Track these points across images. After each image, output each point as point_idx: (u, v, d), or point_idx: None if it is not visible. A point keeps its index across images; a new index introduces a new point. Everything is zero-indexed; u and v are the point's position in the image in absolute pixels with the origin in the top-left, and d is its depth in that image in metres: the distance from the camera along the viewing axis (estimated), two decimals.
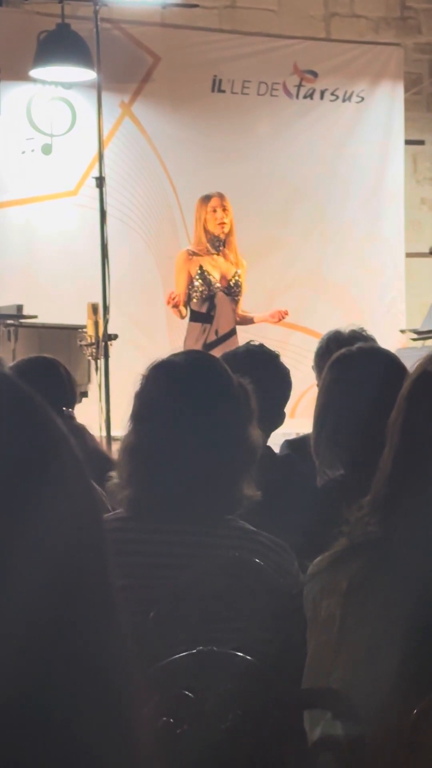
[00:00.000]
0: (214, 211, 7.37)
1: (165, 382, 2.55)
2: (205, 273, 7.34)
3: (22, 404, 0.92)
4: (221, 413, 2.52)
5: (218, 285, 7.34)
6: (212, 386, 2.55)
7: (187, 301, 7.44)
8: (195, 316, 7.44)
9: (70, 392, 4.26)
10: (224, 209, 7.38)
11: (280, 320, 7.59)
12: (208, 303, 7.38)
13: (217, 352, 7.15)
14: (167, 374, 2.56)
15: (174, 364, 2.59)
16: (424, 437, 2.06)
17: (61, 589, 0.88)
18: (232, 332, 7.43)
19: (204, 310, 7.38)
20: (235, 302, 7.45)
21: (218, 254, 7.39)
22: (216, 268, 7.38)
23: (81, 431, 4.24)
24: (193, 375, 2.56)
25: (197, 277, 7.35)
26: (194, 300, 7.40)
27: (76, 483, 0.92)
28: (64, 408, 4.21)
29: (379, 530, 2.04)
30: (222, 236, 7.37)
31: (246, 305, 7.60)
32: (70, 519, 0.90)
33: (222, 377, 2.58)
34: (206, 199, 7.43)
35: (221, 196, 7.41)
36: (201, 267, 7.36)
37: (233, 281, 7.40)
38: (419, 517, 2.00)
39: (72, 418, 4.29)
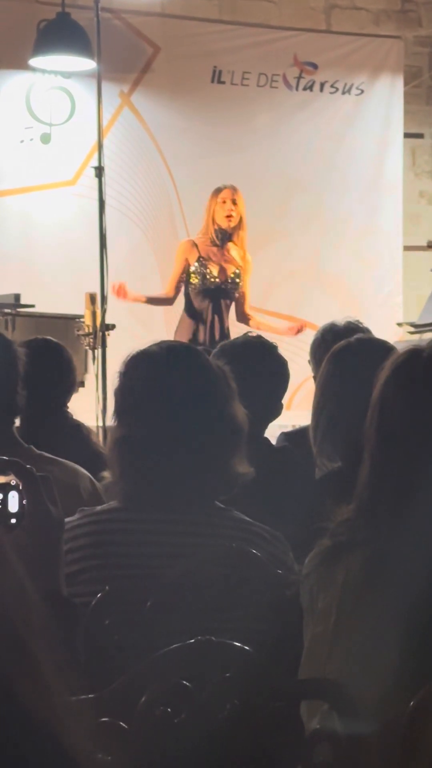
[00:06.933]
0: (224, 202, 7.34)
1: (144, 372, 2.56)
2: (204, 264, 7.30)
3: None
4: (203, 395, 2.54)
5: (214, 280, 7.29)
6: (191, 370, 2.56)
7: (185, 291, 7.41)
8: (190, 311, 7.40)
9: (69, 379, 4.25)
10: (234, 202, 7.34)
11: (297, 333, 7.35)
12: (207, 300, 7.32)
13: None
14: (145, 364, 2.58)
15: (150, 353, 2.60)
16: (400, 443, 2.05)
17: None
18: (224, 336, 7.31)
19: (200, 307, 7.33)
20: (231, 299, 7.39)
21: (221, 248, 7.33)
22: (216, 263, 7.33)
23: (78, 429, 4.22)
24: (171, 361, 2.57)
25: (195, 266, 7.31)
26: (190, 292, 7.36)
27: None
28: (63, 407, 4.20)
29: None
30: (228, 229, 7.34)
31: None
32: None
33: (199, 360, 2.60)
34: (218, 190, 7.39)
35: (233, 189, 7.37)
36: (200, 258, 7.32)
37: (230, 279, 7.33)
38: (406, 522, 2.00)
39: (70, 416, 4.26)
